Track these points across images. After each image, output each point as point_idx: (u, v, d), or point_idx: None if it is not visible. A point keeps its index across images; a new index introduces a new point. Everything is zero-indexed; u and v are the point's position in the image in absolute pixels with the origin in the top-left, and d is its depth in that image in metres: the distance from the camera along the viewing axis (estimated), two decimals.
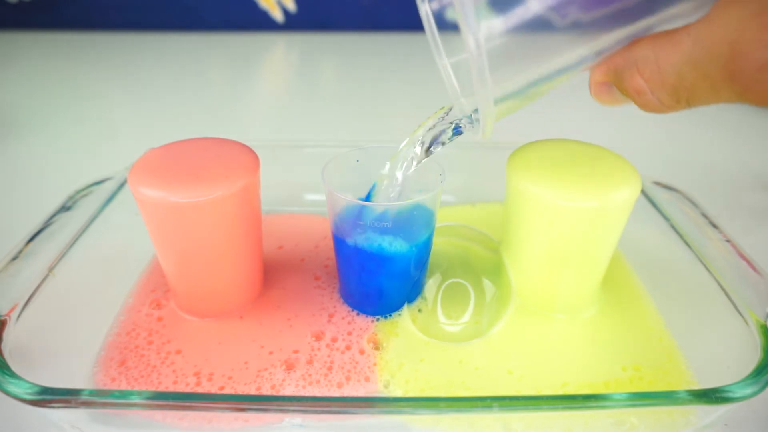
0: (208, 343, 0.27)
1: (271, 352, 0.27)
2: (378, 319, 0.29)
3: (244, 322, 0.28)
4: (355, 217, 0.26)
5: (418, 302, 0.29)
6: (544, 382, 0.26)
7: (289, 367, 0.26)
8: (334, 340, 0.27)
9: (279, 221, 0.36)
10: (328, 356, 0.26)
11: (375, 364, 0.26)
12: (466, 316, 0.28)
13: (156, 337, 0.27)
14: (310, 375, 0.25)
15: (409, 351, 0.27)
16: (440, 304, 0.29)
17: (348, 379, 0.25)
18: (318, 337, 0.27)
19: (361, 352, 0.27)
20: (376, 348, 0.27)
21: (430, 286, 0.30)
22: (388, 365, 0.26)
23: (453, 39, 0.23)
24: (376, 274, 0.27)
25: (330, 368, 0.26)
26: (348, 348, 0.27)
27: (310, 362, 0.26)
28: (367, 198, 0.27)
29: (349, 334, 0.28)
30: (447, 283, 0.30)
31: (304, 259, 0.33)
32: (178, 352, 0.26)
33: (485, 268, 0.31)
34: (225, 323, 0.28)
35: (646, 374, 0.26)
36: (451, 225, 0.34)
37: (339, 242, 0.28)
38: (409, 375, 0.26)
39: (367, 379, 0.25)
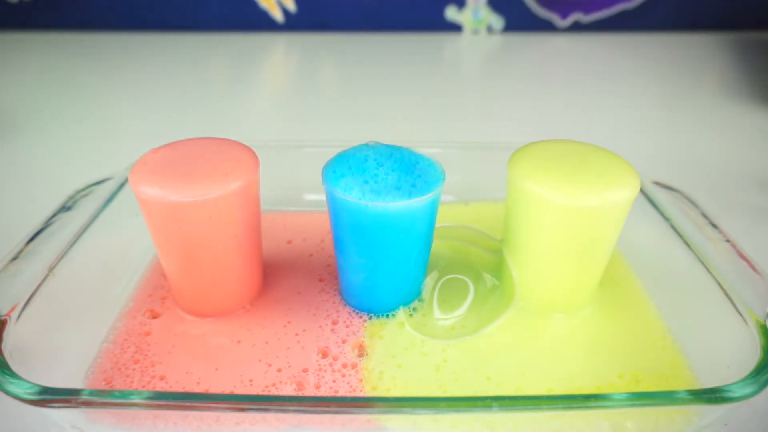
0: (200, 364, 0.26)
1: (279, 369, 0.26)
2: (371, 317, 0.29)
3: (244, 334, 0.28)
4: (354, 214, 0.26)
5: (414, 303, 0.29)
6: (525, 389, 0.25)
7: (300, 387, 0.25)
8: (336, 358, 0.26)
9: (287, 217, 0.37)
10: (334, 381, 0.25)
11: (361, 380, 0.25)
12: (460, 314, 0.28)
13: (141, 357, 0.26)
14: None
15: (388, 357, 0.27)
16: (436, 301, 0.29)
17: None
18: (325, 354, 0.27)
19: (353, 366, 0.26)
20: (361, 354, 0.27)
21: (428, 285, 0.30)
22: (371, 375, 0.26)
23: None
24: (374, 271, 0.27)
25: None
26: (344, 366, 0.26)
27: (319, 386, 0.25)
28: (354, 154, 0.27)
29: (344, 342, 0.27)
30: (444, 281, 0.30)
31: (312, 254, 0.33)
32: (162, 377, 0.25)
33: (486, 268, 0.31)
34: (221, 334, 0.28)
35: (643, 381, 0.25)
36: (451, 226, 0.34)
37: (338, 241, 0.28)
38: (389, 383, 0.25)
39: None
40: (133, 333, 0.28)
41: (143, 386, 0.25)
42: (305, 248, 0.34)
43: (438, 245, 0.32)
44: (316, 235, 0.35)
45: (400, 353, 0.27)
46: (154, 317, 0.29)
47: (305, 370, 0.26)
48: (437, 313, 0.29)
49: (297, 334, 0.28)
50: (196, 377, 0.25)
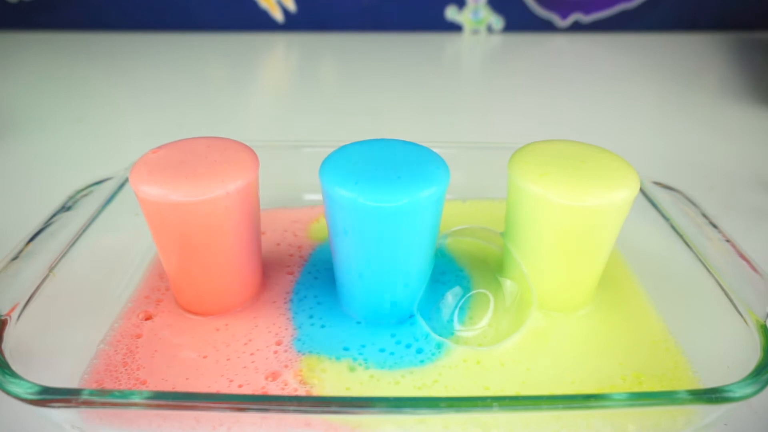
0: (174, 372, 0.26)
1: (240, 385, 0.25)
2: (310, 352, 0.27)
3: (209, 350, 0.27)
4: (354, 215, 0.26)
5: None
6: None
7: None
8: (286, 383, 0.25)
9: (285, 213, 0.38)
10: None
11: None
12: (484, 321, 0.28)
13: (130, 359, 0.26)
14: None
15: (338, 386, 0.25)
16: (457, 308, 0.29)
17: None
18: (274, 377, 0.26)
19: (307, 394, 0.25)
20: (303, 383, 0.25)
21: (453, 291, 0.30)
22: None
23: None
24: (376, 275, 0.27)
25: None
26: (296, 391, 0.25)
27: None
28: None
29: (286, 366, 0.26)
30: (467, 287, 0.30)
31: (280, 244, 0.34)
32: (144, 382, 0.25)
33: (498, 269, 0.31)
34: (192, 346, 0.27)
35: (646, 382, 0.25)
36: (470, 227, 0.34)
37: (337, 243, 0.28)
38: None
39: None
40: (126, 335, 0.28)
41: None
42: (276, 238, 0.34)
43: (451, 245, 0.32)
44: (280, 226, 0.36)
45: (350, 383, 0.25)
46: (147, 319, 0.29)
47: (263, 388, 0.25)
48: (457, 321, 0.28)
49: (253, 353, 0.27)
50: (170, 384, 0.25)
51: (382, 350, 0.27)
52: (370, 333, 0.28)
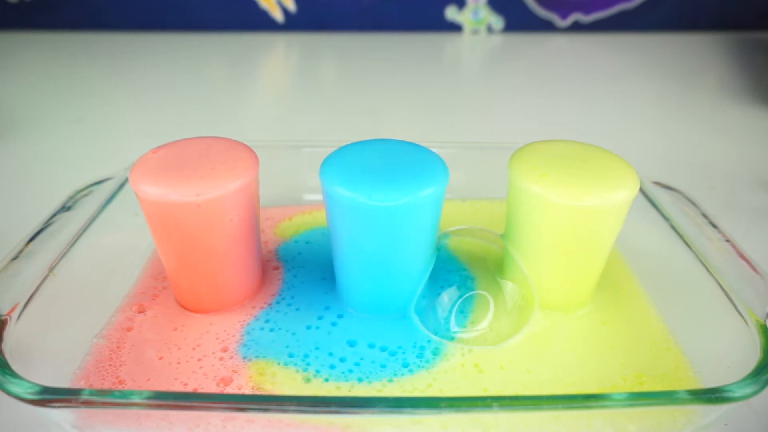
0: (143, 368, 0.26)
1: (195, 389, 0.24)
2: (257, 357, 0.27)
3: (165, 351, 0.27)
4: (354, 214, 0.26)
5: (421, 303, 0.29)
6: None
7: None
8: (240, 387, 0.25)
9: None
10: None
11: None
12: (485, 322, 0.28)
13: (116, 355, 0.26)
14: None
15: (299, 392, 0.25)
16: (453, 308, 0.29)
17: None
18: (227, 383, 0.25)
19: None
20: (256, 389, 0.25)
21: (449, 290, 0.30)
22: None
23: None
24: (376, 274, 0.27)
25: None
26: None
27: None
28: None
29: (235, 372, 0.26)
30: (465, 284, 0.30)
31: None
32: (122, 382, 0.25)
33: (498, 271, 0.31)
34: (151, 343, 0.27)
35: (648, 383, 0.25)
36: (469, 228, 0.34)
37: (337, 241, 0.28)
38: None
39: None
40: (119, 328, 0.28)
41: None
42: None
43: (450, 245, 0.32)
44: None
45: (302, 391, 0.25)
46: (140, 312, 0.29)
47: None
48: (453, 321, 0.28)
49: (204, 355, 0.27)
50: (137, 384, 0.25)
51: (340, 357, 0.27)
52: (331, 339, 0.28)
